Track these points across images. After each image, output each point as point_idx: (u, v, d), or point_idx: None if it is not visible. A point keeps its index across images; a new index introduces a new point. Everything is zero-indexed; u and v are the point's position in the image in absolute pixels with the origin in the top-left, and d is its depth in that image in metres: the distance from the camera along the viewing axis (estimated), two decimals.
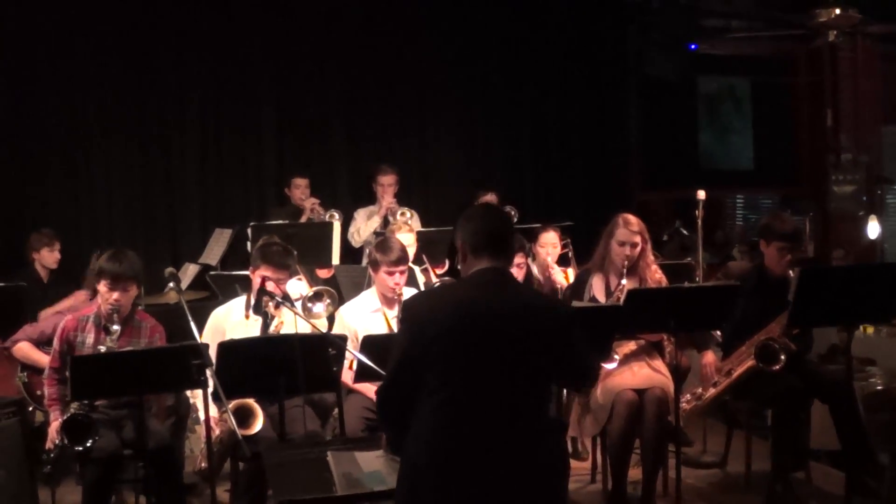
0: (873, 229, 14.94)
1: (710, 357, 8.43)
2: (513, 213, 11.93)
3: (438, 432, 4.59)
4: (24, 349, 9.05)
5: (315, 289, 8.18)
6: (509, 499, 4.60)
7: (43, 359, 8.52)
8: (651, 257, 8.36)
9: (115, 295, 7.52)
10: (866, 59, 15.65)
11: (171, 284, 7.83)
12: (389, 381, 4.82)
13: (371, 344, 7.23)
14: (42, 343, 8.88)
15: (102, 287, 7.57)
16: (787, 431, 8.27)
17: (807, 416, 8.54)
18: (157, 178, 12.54)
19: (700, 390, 8.47)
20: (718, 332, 8.66)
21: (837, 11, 13.35)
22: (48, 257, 10.67)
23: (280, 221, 11.23)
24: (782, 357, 7.90)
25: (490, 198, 12.26)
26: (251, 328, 7.76)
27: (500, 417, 4.62)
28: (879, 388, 9.01)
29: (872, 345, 10.59)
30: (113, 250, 7.76)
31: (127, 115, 12.39)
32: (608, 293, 8.21)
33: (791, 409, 8.26)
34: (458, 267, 4.99)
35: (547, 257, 10.08)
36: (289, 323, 7.64)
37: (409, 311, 4.85)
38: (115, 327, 7.50)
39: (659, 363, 8.22)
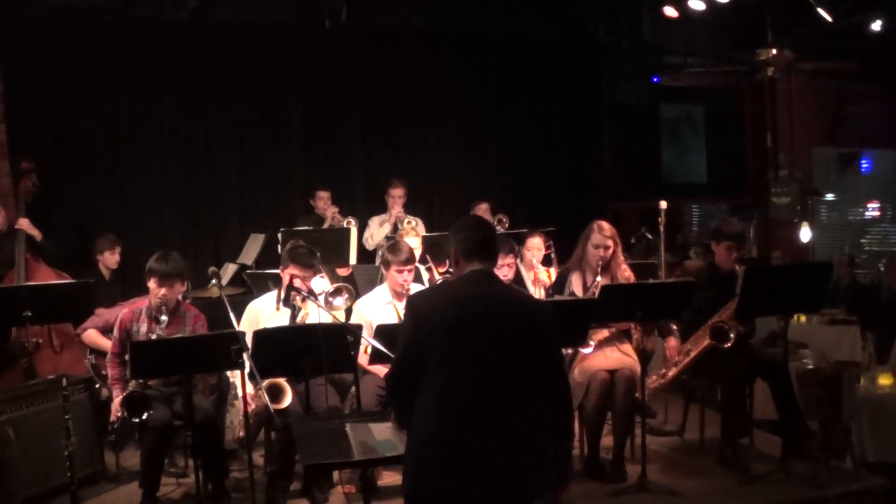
0: (805, 234, 14.98)
1: (673, 341, 8.45)
2: (504, 220, 11.93)
3: (440, 409, 4.59)
4: (91, 336, 9.04)
5: (335, 285, 8.14)
6: (502, 463, 4.58)
7: (108, 344, 8.50)
8: (621, 258, 8.39)
9: (163, 290, 7.62)
10: (799, 90, 15.67)
11: (214, 281, 7.88)
12: (397, 366, 4.83)
13: (383, 332, 7.23)
14: (107, 330, 8.86)
15: (152, 284, 7.66)
16: (734, 404, 8.30)
17: (751, 391, 8.55)
18: (203, 191, 12.51)
19: (664, 370, 8.50)
20: (674, 326, 8.64)
21: (774, 51, 13.39)
22: (110, 258, 10.63)
23: (306, 227, 11.21)
24: (732, 335, 7.94)
25: (484, 207, 12.28)
26: (281, 318, 7.79)
27: (493, 394, 4.62)
28: (810, 367, 9.06)
29: (805, 331, 10.65)
30: (160, 253, 7.84)
31: (178, 139, 12.40)
32: (585, 289, 8.23)
33: (737, 386, 8.30)
34: (451, 269, 5.00)
35: (532, 259, 10.06)
36: (313, 314, 7.65)
37: (413, 305, 4.88)
38: (164, 318, 7.58)
39: (628, 347, 8.25)
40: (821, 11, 12.35)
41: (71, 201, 11.73)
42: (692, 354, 8.26)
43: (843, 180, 17.05)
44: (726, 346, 7.96)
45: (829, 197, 16.88)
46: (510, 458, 4.61)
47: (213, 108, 12.59)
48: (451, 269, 5.04)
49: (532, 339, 4.74)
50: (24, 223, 9.65)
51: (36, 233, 9.79)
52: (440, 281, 9.42)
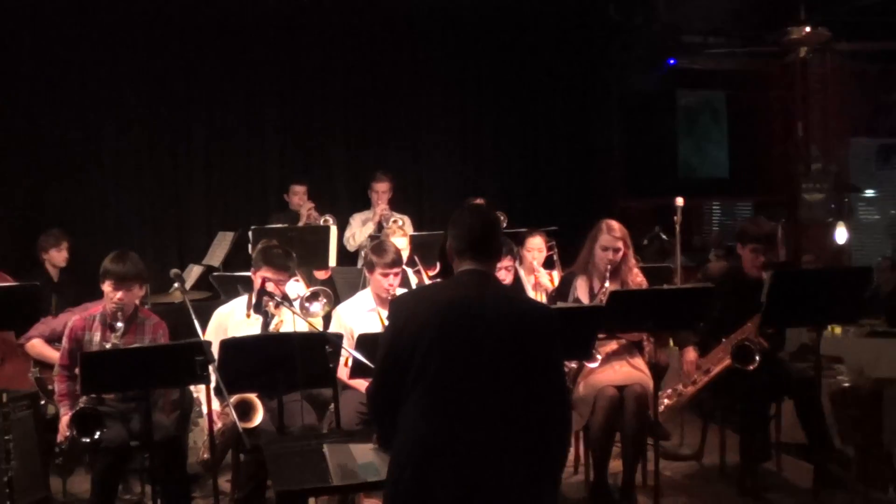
0: (841, 235, 14.97)
1: (692, 353, 8.44)
2: (502, 218, 11.90)
3: (423, 427, 4.56)
4: (37, 346, 9.01)
5: (312, 289, 8.16)
6: (492, 488, 4.56)
7: (55, 355, 8.48)
8: (633, 261, 8.38)
9: (119, 294, 7.56)
10: (835, 74, 15.69)
11: (176, 284, 7.86)
12: (378, 379, 4.81)
13: (366, 342, 7.21)
14: (54, 340, 8.85)
15: (107, 287, 7.61)
16: (757, 426, 8.31)
17: (777, 411, 8.57)
18: (165, 183, 12.53)
19: (680, 387, 8.49)
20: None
21: (808, 29, 13.39)
22: (56, 256, 10.64)
23: (280, 225, 11.23)
24: (757, 358, 7.91)
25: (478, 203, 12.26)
26: (252, 326, 7.78)
27: (481, 411, 4.57)
28: (846, 384, 9.01)
29: (840, 344, 10.61)
30: (117, 252, 7.77)
31: (137, 124, 12.40)
32: (592, 295, 8.20)
33: (759, 405, 8.30)
34: (452, 264, 4.97)
35: (533, 261, 10.06)
36: (288, 322, 7.67)
37: (395, 310, 4.84)
38: (119, 325, 7.54)
39: (639, 361, 8.24)
40: None
41: (17, 195, 11.76)
42: (711, 373, 8.25)
43: (883, 175, 17.09)
44: (750, 368, 7.97)
45: (869, 193, 16.93)
46: (501, 482, 4.57)
47: (176, 92, 12.61)
48: (452, 265, 4.97)
49: (527, 349, 4.68)
50: None
51: None
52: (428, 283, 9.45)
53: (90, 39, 12.04)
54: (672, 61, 14.63)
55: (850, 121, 16.02)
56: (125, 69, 12.28)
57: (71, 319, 7.96)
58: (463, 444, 4.53)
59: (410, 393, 4.59)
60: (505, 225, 11.75)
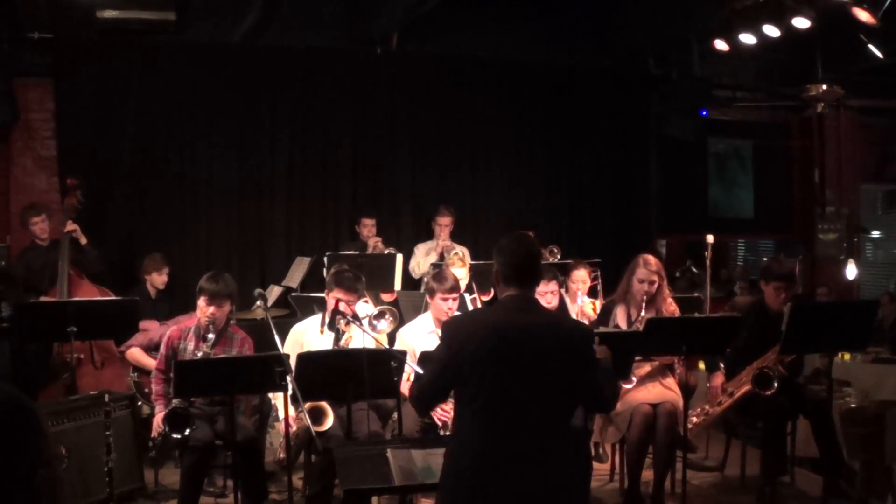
0: (851, 271, 14.87)
1: (718, 379, 8.45)
2: (556, 251, 11.82)
3: (476, 439, 4.58)
4: (135, 354, 9.14)
5: (379, 308, 8.13)
6: (540, 496, 4.55)
7: (150, 362, 8.62)
8: (667, 292, 8.36)
9: (212, 309, 7.65)
10: (848, 127, 15.59)
11: (259, 302, 7.89)
12: (428, 388, 4.94)
13: (427, 359, 7.18)
14: (150, 349, 8.95)
15: (201, 302, 7.70)
16: (775, 442, 8.26)
17: (793, 428, 8.51)
18: (251, 213, 12.53)
19: (707, 407, 8.47)
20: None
21: (824, 87, 13.30)
22: (157, 279, 10.68)
23: (351, 252, 11.23)
24: (775, 384, 7.86)
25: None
26: (325, 342, 7.82)
27: (531, 424, 4.59)
28: (853, 405, 8.92)
29: (849, 369, 10.54)
30: (212, 272, 7.92)
31: (227, 161, 12.42)
32: (629, 322, 8.20)
33: (778, 424, 8.27)
34: (497, 288, 4.98)
35: (577, 291, 10.01)
36: (357, 338, 7.63)
37: (450, 331, 4.87)
38: (211, 336, 7.63)
39: (670, 381, 8.23)
40: (872, 48, 12.29)
41: (117, 220, 11.80)
42: (735, 396, 8.23)
43: (889, 218, 16.95)
44: (768, 393, 7.92)
45: (875, 234, 16.77)
46: (547, 489, 4.58)
47: (262, 130, 12.64)
48: (496, 289, 5.01)
49: (569, 367, 4.70)
50: (73, 225, 9.72)
51: (82, 238, 9.89)
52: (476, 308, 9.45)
53: (188, 80, 12.14)
54: (704, 112, 14.55)
55: (860, 169, 15.91)
56: (219, 112, 12.34)
57: (168, 330, 8.06)
58: (516, 454, 4.55)
59: (465, 408, 4.63)
60: (559, 258, 11.69)
